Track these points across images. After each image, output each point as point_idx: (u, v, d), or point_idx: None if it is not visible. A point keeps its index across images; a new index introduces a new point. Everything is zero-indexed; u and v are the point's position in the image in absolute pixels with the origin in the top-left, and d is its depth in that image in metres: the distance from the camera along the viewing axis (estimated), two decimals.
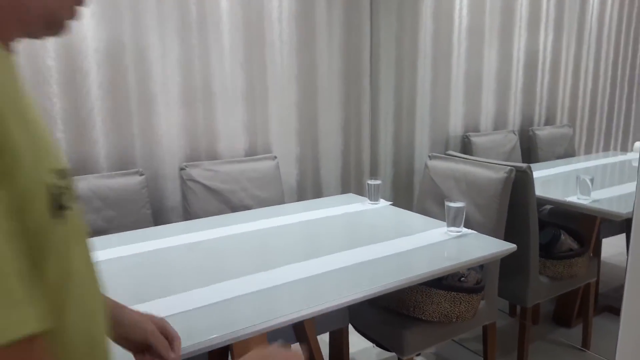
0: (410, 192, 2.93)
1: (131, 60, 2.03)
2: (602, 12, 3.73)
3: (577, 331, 2.54)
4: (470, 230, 1.79)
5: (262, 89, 2.36)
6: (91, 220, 1.88)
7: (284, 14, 2.36)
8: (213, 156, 2.25)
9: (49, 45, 1.85)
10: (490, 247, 1.66)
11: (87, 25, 1.91)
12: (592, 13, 3.71)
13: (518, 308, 2.65)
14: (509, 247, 1.65)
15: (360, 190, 2.68)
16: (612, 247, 3.32)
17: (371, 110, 2.75)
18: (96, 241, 1.72)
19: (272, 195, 2.26)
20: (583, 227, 2.41)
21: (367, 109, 2.72)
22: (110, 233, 1.86)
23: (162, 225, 1.94)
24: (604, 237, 2.76)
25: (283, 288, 1.32)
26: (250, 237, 1.77)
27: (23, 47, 1.83)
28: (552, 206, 2.64)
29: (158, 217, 2.13)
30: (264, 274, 1.41)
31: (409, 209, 2.22)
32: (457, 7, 2.93)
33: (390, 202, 2.16)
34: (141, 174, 2.00)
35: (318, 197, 2.56)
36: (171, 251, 1.63)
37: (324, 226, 1.90)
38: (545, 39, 3.45)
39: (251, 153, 2.35)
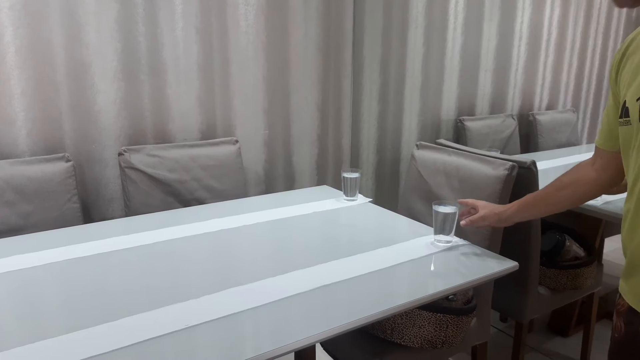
0: (396, 185, 2.61)
1: (57, 19, 1.65)
2: None
3: (574, 341, 2.28)
4: (462, 240, 1.49)
5: (222, 60, 1.99)
6: (2, 216, 1.54)
7: None
8: (162, 139, 1.90)
9: None
10: (486, 264, 1.35)
11: None
12: None
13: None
14: (508, 265, 1.34)
15: (338, 181, 2.35)
16: (613, 242, 3.05)
17: (353, 89, 2.39)
18: (6, 243, 1.39)
19: (231, 186, 1.92)
20: (585, 228, 2.12)
21: (349, 87, 2.36)
22: (27, 232, 1.52)
23: (93, 224, 1.60)
24: (606, 237, 2.48)
25: (245, 316, 1.04)
26: (204, 240, 1.45)
27: None
28: None
29: (90, 212, 1.79)
30: (223, 294, 1.12)
31: (393, 206, 1.91)
32: None
33: (370, 199, 1.84)
34: (68, 160, 1.65)
35: (290, 189, 2.23)
36: (103, 259, 1.31)
37: (292, 229, 1.58)
38: (551, 14, 3.10)
39: (209, 136, 2.00)
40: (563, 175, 1.26)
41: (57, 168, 1.62)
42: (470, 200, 1.46)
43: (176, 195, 1.81)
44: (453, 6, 2.61)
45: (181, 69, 1.89)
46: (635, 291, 1.00)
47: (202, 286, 1.16)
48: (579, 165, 1.23)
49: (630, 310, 1.00)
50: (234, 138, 2.00)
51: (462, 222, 1.41)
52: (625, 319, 1.01)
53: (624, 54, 1.03)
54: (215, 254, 1.38)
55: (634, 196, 0.97)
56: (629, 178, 1.00)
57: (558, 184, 1.25)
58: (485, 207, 1.41)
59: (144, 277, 1.22)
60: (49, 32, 1.64)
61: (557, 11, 3.12)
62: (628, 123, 0.96)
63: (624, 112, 0.97)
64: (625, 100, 0.97)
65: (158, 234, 1.47)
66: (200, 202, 1.84)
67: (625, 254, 1.04)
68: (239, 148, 1.98)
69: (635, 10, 3.60)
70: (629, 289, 1.02)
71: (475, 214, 1.42)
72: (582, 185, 1.21)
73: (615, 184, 1.17)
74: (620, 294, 1.05)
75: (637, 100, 0.93)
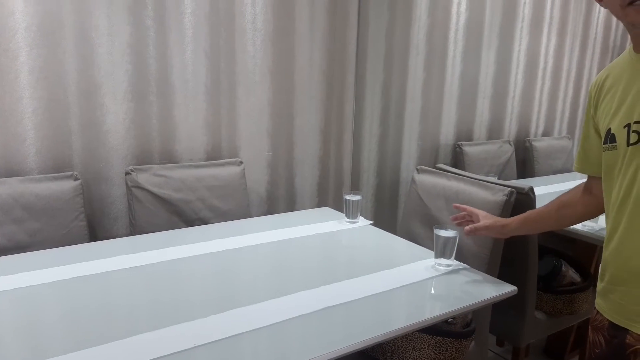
0: (395, 207, 2.64)
1: (71, 41, 1.70)
2: (608, 18, 3.48)
3: None
4: (461, 264, 1.52)
5: (229, 83, 2.04)
6: (10, 233, 1.56)
7: None
8: (169, 159, 1.94)
9: None
10: (485, 289, 1.38)
11: None
12: (598, 18, 3.45)
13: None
14: (507, 290, 1.38)
15: (339, 202, 2.39)
16: None
17: (355, 112, 2.45)
18: (13, 260, 1.41)
19: (235, 207, 1.95)
20: (581, 254, 2.15)
21: (351, 111, 2.42)
22: (34, 249, 1.55)
23: (98, 242, 1.63)
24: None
25: (245, 338, 1.06)
26: (207, 260, 1.48)
27: None
28: None
29: (96, 230, 1.81)
30: (223, 316, 1.14)
31: (392, 228, 1.94)
32: (455, 0, 2.64)
33: (371, 222, 1.87)
34: (76, 178, 1.68)
35: (291, 210, 2.26)
36: (108, 277, 1.33)
37: (294, 251, 1.61)
38: (548, 43, 3.18)
39: (214, 156, 2.04)
40: (563, 194, 1.32)
41: (66, 186, 1.65)
42: (468, 207, 1.50)
43: (181, 214, 1.84)
44: (453, 34, 2.68)
45: (189, 91, 1.94)
46: (615, 308, 1.06)
47: (204, 307, 1.18)
48: (578, 187, 1.29)
49: (611, 325, 1.07)
50: (239, 159, 2.03)
51: (467, 229, 1.43)
52: (608, 333, 1.08)
53: (600, 88, 1.13)
54: (217, 274, 1.41)
55: (623, 215, 1.03)
56: (612, 199, 1.08)
57: (558, 203, 1.32)
58: (488, 218, 1.46)
59: (147, 296, 1.25)
60: (62, 54, 1.69)
61: (553, 40, 3.20)
62: (614, 148, 1.05)
63: (609, 139, 1.07)
64: (610, 128, 1.07)
65: (162, 254, 1.49)
66: (204, 222, 1.87)
67: (604, 272, 1.11)
68: (243, 169, 2.02)
69: (628, 40, 3.70)
70: (608, 305, 1.09)
71: (470, 220, 1.48)
72: (581, 205, 1.27)
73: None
74: (597, 311, 1.12)
75: (624, 127, 1.02)
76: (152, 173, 1.81)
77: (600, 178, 1.14)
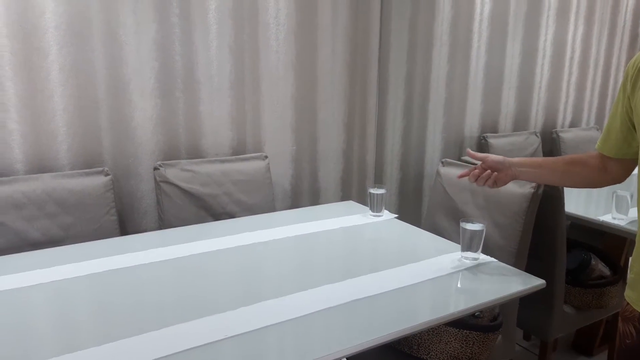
0: (419, 201, 2.63)
1: (99, 39, 1.73)
2: (638, 5, 3.38)
3: None
4: (488, 258, 1.51)
5: (253, 78, 2.06)
6: (44, 227, 1.61)
7: None
8: (195, 154, 1.96)
9: (0, 21, 1.56)
10: (513, 282, 1.37)
11: None
12: (627, 4, 3.35)
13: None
14: (536, 283, 1.36)
15: (362, 196, 2.39)
16: None
17: (378, 105, 2.44)
18: (48, 254, 1.46)
19: (260, 201, 1.97)
20: (610, 247, 2.11)
21: (374, 104, 2.41)
22: (67, 243, 1.59)
23: (129, 236, 1.67)
24: (631, 256, 2.46)
25: (271, 331, 1.08)
26: (234, 254, 1.50)
27: None
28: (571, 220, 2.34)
29: (126, 224, 1.85)
30: (250, 309, 1.16)
31: (416, 222, 1.93)
32: None
33: (396, 215, 1.87)
34: (107, 174, 1.72)
35: (315, 204, 2.27)
36: (139, 270, 1.36)
37: (319, 244, 1.62)
38: (575, 31, 3.11)
39: (239, 151, 2.06)
40: (576, 154, 1.30)
41: (97, 182, 1.69)
42: (478, 155, 1.40)
43: (208, 209, 1.86)
44: (477, 25, 2.64)
45: (214, 87, 1.96)
46: None
47: (231, 300, 1.20)
48: (595, 155, 1.25)
49: None
50: (264, 154, 2.05)
51: (476, 178, 1.37)
52: (636, 324, 1.07)
53: (639, 72, 1.07)
54: (244, 267, 1.43)
55: None
56: None
57: (570, 159, 1.30)
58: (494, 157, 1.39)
59: (176, 289, 1.27)
60: (91, 52, 1.72)
61: (580, 29, 3.13)
62: None
63: None
64: None
65: (191, 247, 1.52)
66: (230, 215, 1.90)
67: (634, 263, 1.09)
68: (268, 163, 2.04)
69: None
70: (637, 297, 1.06)
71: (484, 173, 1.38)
72: (590, 170, 1.25)
73: (615, 182, 1.23)
74: (627, 303, 1.10)
75: None
76: (180, 168, 1.84)
77: (619, 160, 1.12)
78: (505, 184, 1.40)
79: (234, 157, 1.99)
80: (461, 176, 1.44)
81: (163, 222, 1.80)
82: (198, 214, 1.83)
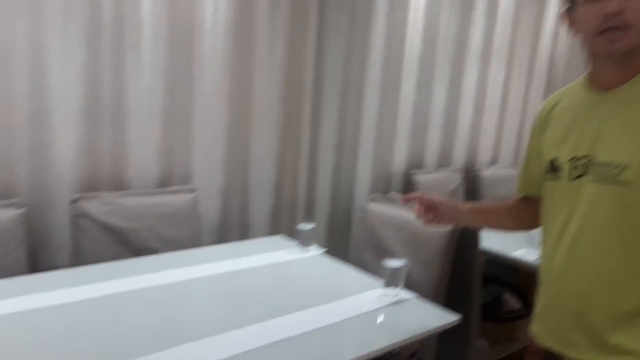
0: (348, 235, 2.68)
1: (22, 62, 1.65)
2: (553, 52, 3.70)
3: None
4: (409, 294, 1.56)
5: (186, 108, 2.03)
6: None
7: (219, 23, 2.04)
8: (118, 186, 1.90)
9: None
10: (431, 318, 1.43)
11: None
12: (543, 51, 3.66)
13: None
14: (452, 319, 1.43)
15: (293, 229, 2.40)
16: None
17: (310, 140, 2.48)
18: None
19: (186, 235, 1.93)
20: (522, 281, 2.25)
21: (307, 138, 2.45)
22: None
23: (39, 274, 1.56)
24: None
25: None
26: (154, 294, 1.46)
27: None
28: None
29: (38, 261, 1.75)
30: (169, 353, 1.13)
31: (345, 255, 1.97)
32: (409, 34, 2.75)
33: (324, 250, 1.90)
34: (20, 207, 1.62)
35: (244, 238, 2.25)
36: (47, 313, 1.28)
37: (246, 282, 1.61)
38: (496, 76, 3.35)
39: (166, 183, 2.02)
40: (509, 200, 1.34)
41: (7, 215, 1.59)
42: (419, 194, 1.33)
43: (128, 244, 1.80)
44: (407, 66, 2.78)
45: (143, 116, 1.92)
46: (550, 333, 1.12)
47: (147, 344, 1.16)
48: (517, 198, 1.31)
49: (546, 350, 1.12)
50: (191, 186, 2.02)
51: (421, 208, 1.29)
52: (543, 358, 1.15)
53: (548, 114, 1.17)
54: (165, 307, 1.39)
55: (562, 245, 1.08)
56: (551, 227, 1.12)
57: (505, 205, 1.34)
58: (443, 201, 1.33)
59: (88, 334, 1.21)
60: (12, 74, 1.64)
61: (501, 73, 3.37)
62: (557, 179, 1.10)
63: (553, 169, 1.11)
64: (554, 158, 1.11)
65: (106, 286, 1.46)
66: (153, 251, 1.84)
67: (540, 298, 1.18)
68: (196, 196, 2.01)
69: (572, 74, 3.94)
70: (543, 331, 1.14)
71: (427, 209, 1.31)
72: (519, 216, 1.30)
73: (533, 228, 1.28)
74: (533, 337, 1.17)
75: (569, 160, 1.07)
76: (100, 201, 1.77)
77: (540, 198, 1.18)
78: (443, 225, 1.41)
79: (159, 189, 1.95)
80: (405, 200, 1.36)
81: (79, 258, 1.72)
82: (117, 250, 1.77)
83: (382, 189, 2.79)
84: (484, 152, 3.41)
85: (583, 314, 1.06)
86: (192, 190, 2.00)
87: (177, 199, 1.94)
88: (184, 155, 2.06)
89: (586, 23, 1.00)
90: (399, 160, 2.87)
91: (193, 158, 2.09)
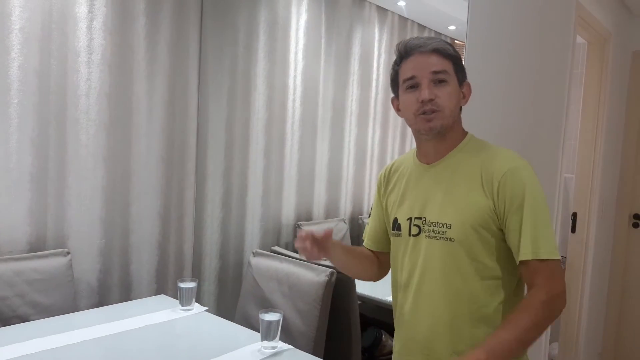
0: (237, 289, 2.69)
1: None
2: None
3: None
4: (286, 346, 1.62)
5: (59, 171, 2.00)
6: None
7: (93, 89, 2.07)
8: None
9: None
10: None
11: None
12: None
13: None
14: None
15: None
16: None
17: (196, 197, 2.52)
18: None
19: (59, 300, 1.85)
20: None
21: (192, 196, 2.49)
22: None
23: None
24: None
25: None
26: None
27: None
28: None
29: None
30: None
31: (234, 311, 2.00)
32: (290, 97, 2.95)
33: (206, 308, 1.92)
34: None
35: (126, 299, 2.19)
36: None
37: (123, 344, 1.58)
38: (373, 134, 3.66)
39: (38, 247, 1.94)
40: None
41: None
42: (310, 232, 1.26)
43: None
44: (290, 126, 2.96)
45: (12, 180, 1.86)
46: None
47: None
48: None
49: None
50: (65, 249, 1.96)
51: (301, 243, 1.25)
52: None
53: (388, 179, 1.34)
54: None
55: (408, 294, 1.23)
56: (398, 278, 1.26)
57: (365, 252, 1.41)
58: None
59: None
60: None
61: (378, 132, 3.69)
62: (399, 235, 1.25)
63: (396, 227, 1.26)
64: (396, 217, 1.26)
65: None
66: (23, 319, 1.74)
67: (395, 343, 1.29)
68: (70, 260, 1.94)
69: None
70: None
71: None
72: (370, 263, 1.40)
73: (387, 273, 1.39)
74: None
75: (407, 219, 1.23)
76: None
77: (387, 253, 1.32)
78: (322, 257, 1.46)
79: (30, 254, 1.86)
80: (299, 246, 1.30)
81: None
82: None
83: (272, 241, 2.87)
84: (368, 202, 3.66)
85: (430, 354, 1.20)
86: (66, 253, 1.93)
87: (49, 263, 1.86)
88: (58, 218, 2.00)
89: (408, 107, 1.20)
90: (288, 212, 2.99)
91: (68, 220, 2.03)
